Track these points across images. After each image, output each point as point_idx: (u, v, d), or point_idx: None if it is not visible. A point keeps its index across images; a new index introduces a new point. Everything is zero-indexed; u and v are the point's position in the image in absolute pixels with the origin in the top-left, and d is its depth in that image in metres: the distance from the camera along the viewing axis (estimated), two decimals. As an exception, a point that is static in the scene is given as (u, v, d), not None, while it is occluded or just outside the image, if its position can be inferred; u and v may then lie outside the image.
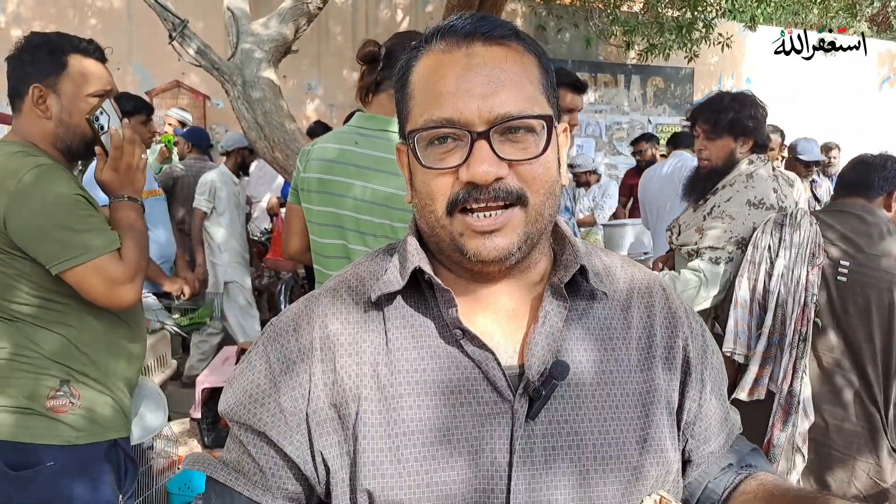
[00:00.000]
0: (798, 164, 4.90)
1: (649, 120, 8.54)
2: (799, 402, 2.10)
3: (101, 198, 1.73)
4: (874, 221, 2.17)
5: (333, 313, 0.80)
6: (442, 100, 0.72)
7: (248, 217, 5.54)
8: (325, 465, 0.76)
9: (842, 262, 2.11)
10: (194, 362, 4.64)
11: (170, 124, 5.50)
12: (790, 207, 2.28)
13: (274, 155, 3.53)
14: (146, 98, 5.16)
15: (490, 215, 0.73)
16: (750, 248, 2.18)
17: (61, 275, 1.54)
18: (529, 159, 0.73)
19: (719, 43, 7.48)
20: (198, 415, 3.54)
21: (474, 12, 0.78)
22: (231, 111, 3.80)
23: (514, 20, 7.66)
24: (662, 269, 2.66)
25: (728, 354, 2.20)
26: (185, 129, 5.32)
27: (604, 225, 5.62)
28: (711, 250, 2.26)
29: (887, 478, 2.13)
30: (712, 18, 7.38)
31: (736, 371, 2.26)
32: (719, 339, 2.21)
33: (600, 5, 8.05)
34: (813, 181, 5.25)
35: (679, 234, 2.47)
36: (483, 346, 0.75)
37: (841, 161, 5.92)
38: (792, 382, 2.11)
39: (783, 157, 5.20)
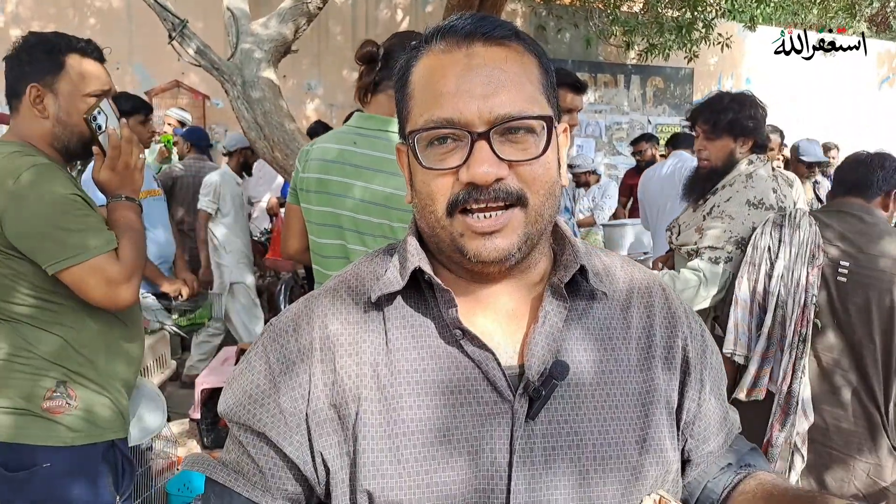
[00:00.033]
0: (800, 165, 4.90)
1: (649, 120, 8.54)
2: (797, 403, 2.10)
3: (100, 198, 1.73)
4: (873, 221, 2.17)
5: (333, 313, 0.80)
6: (442, 100, 0.72)
7: (248, 217, 5.54)
8: (325, 466, 0.76)
9: (842, 263, 2.11)
10: (195, 362, 4.63)
11: (169, 124, 5.49)
12: (789, 208, 2.28)
13: (273, 155, 3.53)
14: (146, 98, 5.16)
15: (490, 216, 0.73)
16: (749, 248, 2.19)
17: (58, 275, 1.53)
18: (529, 160, 0.73)
19: (719, 43, 7.49)
20: (197, 415, 3.54)
21: (474, 12, 0.78)
22: (231, 111, 3.80)
23: (514, 20, 7.66)
24: (662, 269, 2.66)
25: (728, 356, 2.20)
26: (184, 129, 5.32)
27: (603, 225, 5.62)
28: (711, 250, 2.26)
29: (887, 477, 2.13)
30: (712, 19, 7.39)
31: (736, 371, 2.26)
32: (720, 341, 2.21)
33: (600, 5, 8.06)
34: (816, 182, 5.25)
35: (679, 234, 2.48)
36: (483, 346, 0.75)
37: (840, 161, 5.92)
38: (791, 383, 2.11)
39: (789, 158, 5.20)
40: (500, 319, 0.80)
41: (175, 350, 4.67)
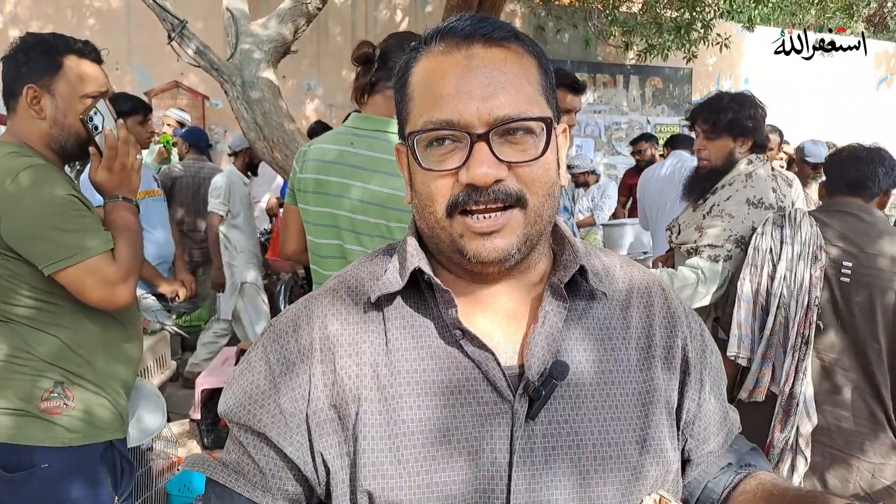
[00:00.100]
0: (806, 167, 4.90)
1: (648, 120, 8.55)
2: (799, 404, 2.10)
3: (98, 198, 1.73)
4: (872, 221, 2.17)
5: (333, 314, 0.80)
6: (441, 101, 0.72)
7: (253, 217, 5.53)
8: (325, 466, 0.76)
9: (844, 263, 2.12)
10: (200, 361, 4.60)
11: (168, 125, 5.49)
12: (787, 207, 2.28)
13: (273, 155, 3.53)
14: (145, 98, 5.15)
15: (490, 217, 0.73)
16: (750, 250, 2.18)
17: (54, 275, 1.53)
18: (529, 161, 0.73)
19: (717, 43, 7.49)
20: (197, 416, 3.53)
21: (474, 13, 0.78)
22: (230, 111, 3.79)
23: (513, 21, 7.66)
24: (661, 269, 2.66)
25: (732, 358, 2.19)
26: (183, 130, 5.31)
27: (603, 225, 5.63)
28: (710, 248, 2.27)
29: (890, 475, 2.13)
30: (711, 19, 7.39)
31: (737, 372, 2.26)
32: (720, 343, 2.21)
33: (599, 6, 8.06)
34: (821, 183, 5.23)
35: (678, 233, 2.48)
36: (483, 346, 0.75)
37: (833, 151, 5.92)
38: (793, 384, 2.11)
39: (794, 159, 5.20)
40: (499, 320, 0.80)
41: (175, 350, 4.66)
